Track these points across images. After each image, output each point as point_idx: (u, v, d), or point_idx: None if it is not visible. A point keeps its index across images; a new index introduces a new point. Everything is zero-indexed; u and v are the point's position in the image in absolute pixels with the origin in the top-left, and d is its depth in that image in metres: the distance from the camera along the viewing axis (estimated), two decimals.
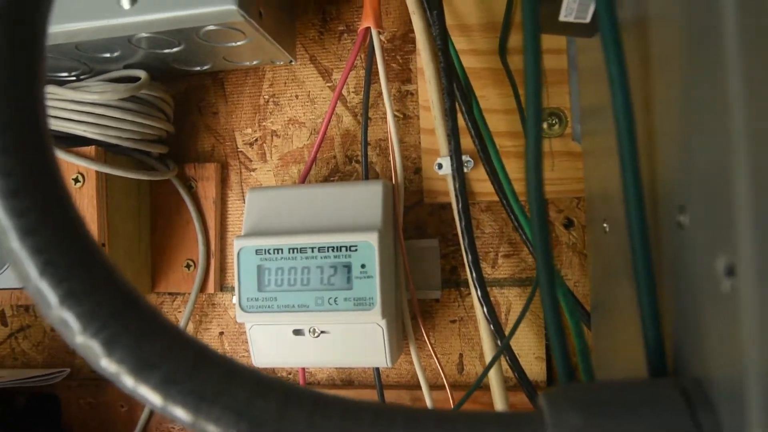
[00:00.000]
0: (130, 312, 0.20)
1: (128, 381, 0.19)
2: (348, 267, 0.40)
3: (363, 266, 0.39)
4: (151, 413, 0.54)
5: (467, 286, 0.48)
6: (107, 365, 0.19)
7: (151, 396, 0.19)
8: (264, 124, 0.53)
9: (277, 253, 0.41)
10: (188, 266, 0.52)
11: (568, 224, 0.47)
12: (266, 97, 0.53)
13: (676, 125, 0.22)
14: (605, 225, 0.36)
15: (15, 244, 0.19)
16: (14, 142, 0.19)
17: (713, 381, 0.19)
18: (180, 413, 0.19)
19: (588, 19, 0.32)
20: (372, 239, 0.39)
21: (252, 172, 0.53)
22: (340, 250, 0.40)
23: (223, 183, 0.54)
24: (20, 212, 0.19)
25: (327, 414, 0.20)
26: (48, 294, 0.19)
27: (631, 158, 0.22)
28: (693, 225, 0.21)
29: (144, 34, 0.41)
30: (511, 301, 0.47)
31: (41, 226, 0.19)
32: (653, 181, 0.25)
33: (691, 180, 0.21)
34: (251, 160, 0.53)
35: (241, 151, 0.53)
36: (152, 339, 0.20)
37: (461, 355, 0.48)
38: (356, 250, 0.40)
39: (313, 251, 0.40)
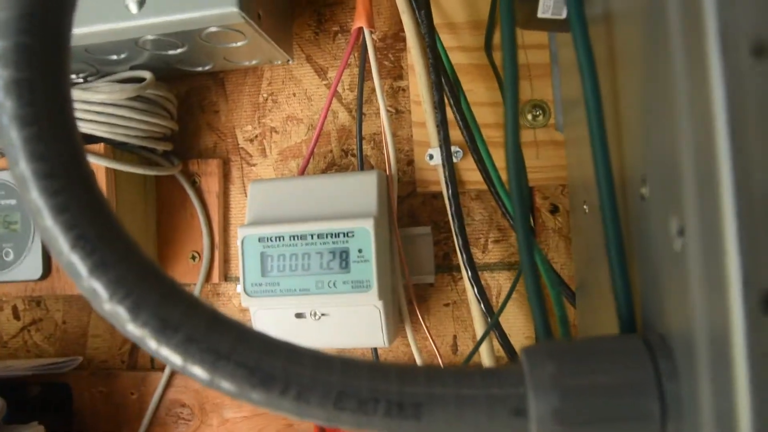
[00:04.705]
0: (151, 280, 0.22)
1: (152, 342, 0.21)
2: (346, 252, 0.42)
3: (360, 251, 0.42)
4: (161, 400, 0.57)
5: (459, 270, 0.50)
6: (133, 329, 0.21)
7: (172, 356, 0.21)
8: (263, 121, 0.56)
9: (279, 240, 0.43)
10: (193, 258, 0.55)
11: (554, 210, 0.49)
12: (265, 95, 0.56)
13: (638, 108, 0.25)
14: (585, 207, 0.38)
15: (49, 221, 0.21)
16: (46, 130, 0.21)
17: (671, 334, 0.22)
18: (198, 371, 0.21)
19: (564, 16, 0.35)
20: (368, 225, 0.42)
21: (253, 167, 0.56)
22: (338, 236, 0.43)
23: (226, 178, 0.56)
24: (52, 192, 0.21)
25: (329, 370, 0.22)
26: (79, 265, 0.21)
27: (601, 140, 0.25)
28: (652, 195, 0.23)
29: (150, 37, 0.43)
30: (501, 284, 0.50)
31: (71, 205, 0.21)
32: (621, 161, 0.28)
33: (650, 155, 0.23)
34: (252, 156, 0.56)
35: (242, 147, 0.56)
36: (172, 304, 0.22)
37: (455, 337, 0.51)
38: (353, 235, 0.42)
39: (312, 238, 0.43)
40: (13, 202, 0.50)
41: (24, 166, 0.21)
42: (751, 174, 0.17)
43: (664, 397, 0.21)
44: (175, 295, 0.22)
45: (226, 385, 0.21)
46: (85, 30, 0.42)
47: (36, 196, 0.21)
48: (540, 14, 0.34)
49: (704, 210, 0.18)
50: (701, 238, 0.19)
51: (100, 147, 0.48)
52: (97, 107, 0.47)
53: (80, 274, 0.21)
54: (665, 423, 0.21)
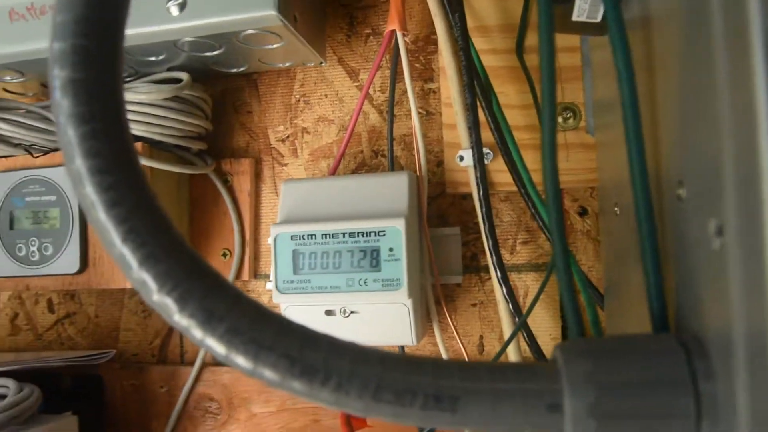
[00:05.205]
0: (198, 272, 0.23)
1: (197, 333, 0.22)
2: (377, 251, 0.43)
3: (391, 250, 0.43)
4: (190, 394, 0.58)
5: (487, 271, 0.51)
6: (179, 319, 0.22)
7: (216, 346, 0.22)
8: (295, 121, 0.57)
9: (311, 238, 0.44)
10: (224, 255, 0.56)
11: (583, 212, 0.50)
12: (297, 96, 0.57)
13: (676, 111, 0.25)
14: (616, 209, 0.38)
15: (102, 215, 0.22)
16: (101, 128, 0.22)
17: (707, 334, 0.22)
18: (241, 360, 0.22)
19: (599, 19, 0.35)
20: (399, 224, 0.43)
21: (284, 167, 0.57)
22: (370, 235, 0.43)
23: (257, 177, 0.57)
24: (106, 187, 0.22)
25: (368, 362, 0.23)
26: (129, 257, 0.22)
27: (637, 142, 0.25)
28: (689, 196, 0.24)
29: (188, 39, 0.45)
30: (528, 285, 0.50)
31: (124, 199, 0.22)
32: (657, 163, 0.28)
33: (687, 157, 0.24)
34: (283, 156, 0.57)
35: (273, 147, 0.57)
36: (217, 296, 0.22)
37: (481, 337, 0.51)
38: (384, 234, 0.43)
39: (344, 236, 0.44)
40: (52, 198, 0.52)
41: (79, 162, 0.22)
42: None
43: (699, 396, 0.21)
44: (220, 288, 0.23)
45: (268, 374, 0.22)
46: (127, 32, 0.43)
47: (90, 191, 0.22)
48: (575, 17, 0.34)
49: (744, 208, 0.19)
50: (741, 237, 0.19)
51: (138, 146, 0.50)
52: (135, 107, 0.48)
53: (131, 266, 0.22)
54: (700, 422, 0.21)
